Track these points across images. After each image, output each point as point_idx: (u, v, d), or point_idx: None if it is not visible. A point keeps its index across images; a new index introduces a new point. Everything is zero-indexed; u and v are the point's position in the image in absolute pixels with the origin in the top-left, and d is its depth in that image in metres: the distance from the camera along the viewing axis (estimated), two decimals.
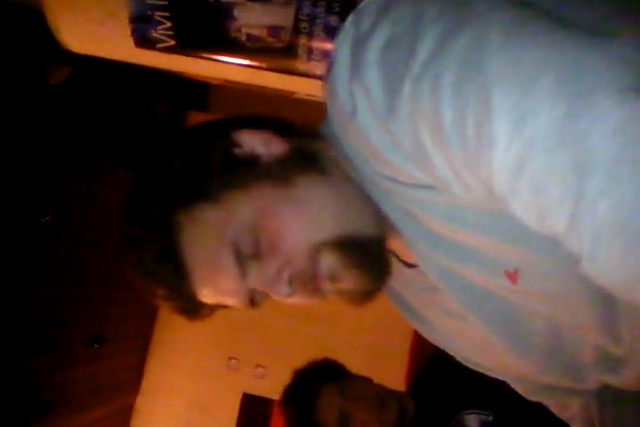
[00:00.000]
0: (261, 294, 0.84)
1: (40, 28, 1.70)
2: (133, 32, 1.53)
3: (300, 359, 1.89)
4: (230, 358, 3.87)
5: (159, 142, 0.86)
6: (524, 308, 0.82)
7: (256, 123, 0.86)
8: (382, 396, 1.74)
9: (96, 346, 3.12)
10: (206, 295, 0.84)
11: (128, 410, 3.92)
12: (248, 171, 0.81)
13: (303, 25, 1.40)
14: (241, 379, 3.86)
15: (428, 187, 0.70)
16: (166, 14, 1.48)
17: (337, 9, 1.38)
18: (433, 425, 1.68)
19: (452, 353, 1.05)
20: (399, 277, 0.95)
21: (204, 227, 0.80)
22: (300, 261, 0.79)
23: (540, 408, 1.50)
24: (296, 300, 0.83)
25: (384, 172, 0.73)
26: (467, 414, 1.63)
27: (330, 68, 0.74)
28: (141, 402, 3.97)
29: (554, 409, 1.06)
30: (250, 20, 1.42)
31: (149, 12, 1.48)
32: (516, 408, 1.57)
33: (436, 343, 1.06)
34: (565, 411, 1.04)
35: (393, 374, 2.11)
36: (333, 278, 0.80)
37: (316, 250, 0.79)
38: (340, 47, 0.71)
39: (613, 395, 0.97)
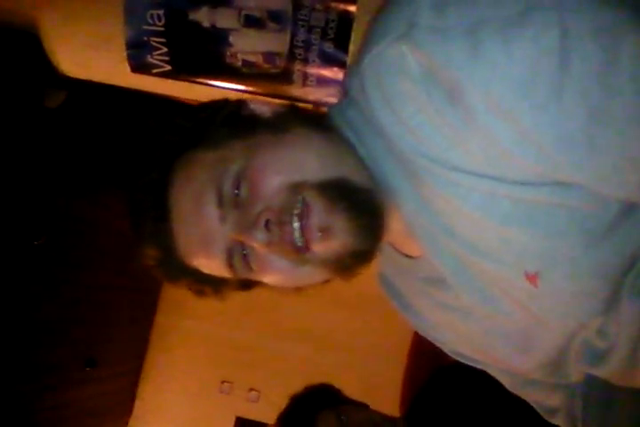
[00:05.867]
0: (242, 262, 0.81)
1: (37, 52, 1.71)
2: (129, 57, 1.55)
3: (294, 383, 1.88)
4: (223, 382, 3.84)
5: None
6: (537, 311, 0.81)
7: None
8: (379, 423, 1.73)
9: (89, 369, 3.10)
10: (185, 242, 0.82)
11: None
12: (249, 124, 0.83)
13: (298, 51, 1.41)
14: (234, 402, 3.83)
15: (473, 173, 0.69)
16: (162, 40, 1.49)
17: (332, 35, 1.39)
18: None
19: (439, 344, 1.03)
20: (392, 265, 0.94)
21: (196, 166, 0.81)
22: (279, 203, 0.76)
23: None
24: (277, 264, 0.79)
25: (429, 152, 0.71)
26: None
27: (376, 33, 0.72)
28: (134, 426, 3.93)
29: (535, 403, 1.04)
30: (245, 46, 1.44)
31: (146, 38, 1.50)
32: None
33: (423, 334, 1.04)
34: (546, 403, 1.03)
35: (388, 398, 2.10)
36: (322, 229, 0.75)
37: (296, 188, 0.76)
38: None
39: (599, 395, 0.97)
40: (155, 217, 0.82)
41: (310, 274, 0.81)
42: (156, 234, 0.83)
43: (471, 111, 0.65)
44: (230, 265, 0.81)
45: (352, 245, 0.76)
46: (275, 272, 0.81)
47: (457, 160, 0.70)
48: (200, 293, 0.91)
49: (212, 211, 0.78)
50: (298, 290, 0.87)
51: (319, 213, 0.75)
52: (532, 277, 0.75)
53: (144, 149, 0.86)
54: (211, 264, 0.83)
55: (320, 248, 0.76)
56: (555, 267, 0.74)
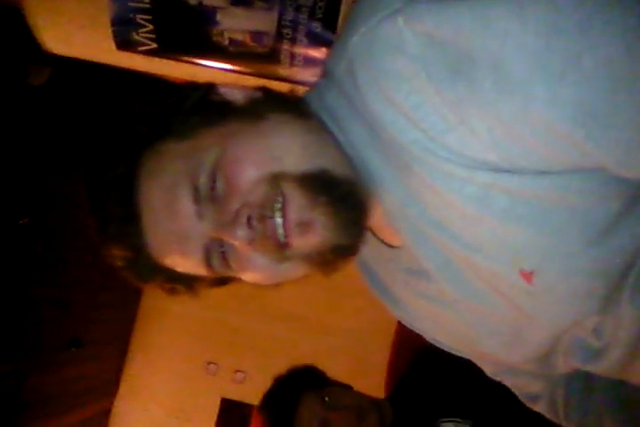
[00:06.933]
0: (220, 260, 0.77)
1: (21, 28, 1.68)
2: (115, 34, 1.53)
3: (280, 365, 1.88)
4: (209, 363, 3.85)
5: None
6: (528, 309, 0.78)
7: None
8: (362, 405, 1.73)
9: (74, 349, 3.09)
10: (157, 240, 0.77)
11: (106, 414, 3.88)
12: (220, 111, 0.77)
13: (286, 31, 1.39)
14: (219, 384, 3.84)
15: (468, 165, 0.65)
16: (148, 17, 1.47)
17: (320, 15, 1.38)
18: None
19: (419, 332, 1.01)
20: (373, 253, 0.90)
21: (166, 158, 0.75)
22: (259, 197, 0.72)
23: (518, 417, 1.51)
24: (257, 262, 0.75)
25: (423, 137, 0.66)
26: (444, 421, 1.62)
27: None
28: (119, 406, 3.94)
29: (516, 390, 1.04)
30: (232, 24, 1.42)
31: (131, 15, 1.48)
32: (495, 417, 1.57)
33: (403, 322, 1.01)
34: (528, 390, 1.02)
35: (373, 380, 2.10)
36: (302, 224, 0.71)
37: (275, 180, 0.71)
38: None
39: (581, 383, 0.97)
40: (122, 215, 0.76)
41: (290, 271, 0.78)
42: (124, 234, 0.78)
43: (476, 85, 0.61)
44: (208, 264, 0.77)
45: (334, 241, 0.73)
46: (254, 270, 0.77)
47: (455, 144, 0.65)
48: (172, 291, 0.88)
49: (187, 206, 0.73)
50: (276, 286, 0.83)
51: (299, 207, 0.71)
52: (527, 275, 0.72)
53: (107, 141, 0.80)
54: (186, 263, 0.79)
55: (300, 243, 0.73)
56: (552, 265, 0.71)
